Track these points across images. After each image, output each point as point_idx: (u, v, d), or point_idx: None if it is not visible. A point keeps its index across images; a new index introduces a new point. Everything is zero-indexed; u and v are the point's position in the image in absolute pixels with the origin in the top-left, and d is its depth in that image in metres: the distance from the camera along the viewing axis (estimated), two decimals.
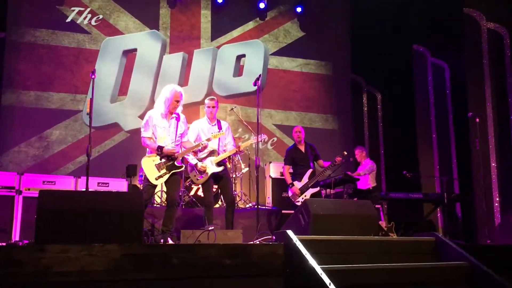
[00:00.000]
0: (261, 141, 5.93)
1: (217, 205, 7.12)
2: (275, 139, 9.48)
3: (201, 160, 5.61)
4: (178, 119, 5.17)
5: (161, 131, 5.08)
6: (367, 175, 7.88)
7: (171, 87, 5.14)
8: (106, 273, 2.93)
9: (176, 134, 5.13)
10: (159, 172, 4.99)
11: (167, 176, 5.02)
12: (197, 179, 5.60)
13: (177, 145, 5.14)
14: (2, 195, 6.05)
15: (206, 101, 5.86)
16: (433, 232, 4.48)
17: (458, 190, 8.27)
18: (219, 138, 5.71)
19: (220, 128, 5.77)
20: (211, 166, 5.57)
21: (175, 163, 5.05)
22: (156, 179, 4.99)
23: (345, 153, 6.68)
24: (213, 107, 5.77)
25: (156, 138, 5.08)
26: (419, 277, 3.59)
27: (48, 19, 8.53)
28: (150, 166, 5.01)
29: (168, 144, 5.04)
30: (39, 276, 2.81)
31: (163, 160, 5.01)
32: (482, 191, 6.90)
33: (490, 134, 7.89)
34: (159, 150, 4.99)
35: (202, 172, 5.54)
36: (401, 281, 3.51)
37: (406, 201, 7.67)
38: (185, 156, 5.53)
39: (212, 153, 5.64)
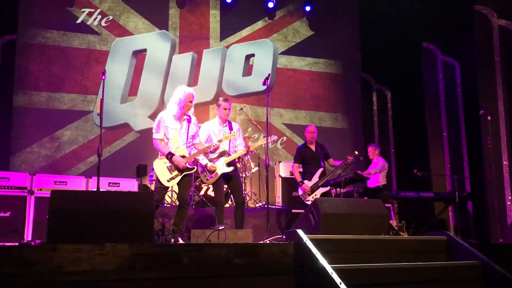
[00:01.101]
0: (271, 142, 5.92)
1: (227, 205, 7.13)
2: (285, 138, 9.47)
3: (211, 160, 5.60)
4: (189, 121, 5.19)
5: (173, 133, 5.09)
6: (378, 173, 7.84)
7: (183, 89, 5.15)
8: (117, 273, 2.94)
9: (187, 136, 5.15)
10: (171, 174, 5.01)
11: (179, 178, 5.03)
12: (207, 179, 5.60)
13: (188, 146, 5.16)
14: (14, 196, 6.10)
15: (222, 102, 5.75)
16: (444, 231, 4.45)
17: (470, 189, 8.20)
18: (230, 140, 5.70)
19: (231, 129, 5.76)
20: (221, 167, 5.56)
21: (187, 165, 5.06)
22: (168, 181, 5.01)
23: (357, 152, 6.66)
24: (229, 109, 5.75)
25: (168, 140, 5.09)
26: (430, 276, 3.56)
27: (59, 21, 8.60)
28: (162, 168, 5.03)
29: (180, 147, 5.06)
30: (51, 276, 2.83)
31: None
32: (494, 189, 6.84)
33: (501, 132, 7.82)
34: (169, 157, 5.00)
35: (212, 172, 5.54)
36: (412, 281, 3.48)
37: (417, 200, 7.63)
38: (196, 157, 5.55)
39: (222, 153, 5.63)
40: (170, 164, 5.01)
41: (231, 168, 5.58)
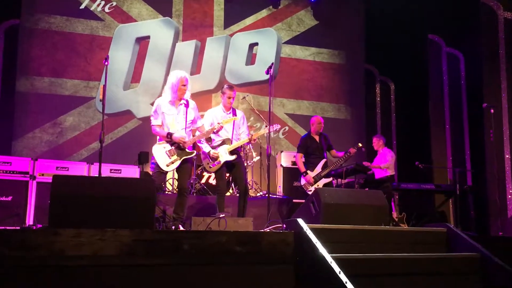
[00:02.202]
0: (273, 131, 5.91)
1: (228, 193, 7.14)
2: (287, 128, 9.46)
3: (214, 148, 5.60)
4: (187, 105, 5.12)
5: (170, 118, 5.08)
6: (387, 162, 7.81)
7: (175, 73, 5.13)
8: (118, 258, 2.96)
9: (186, 121, 5.11)
10: (170, 158, 5.00)
11: (178, 162, 5.02)
12: (210, 167, 5.59)
13: (187, 132, 5.13)
14: (16, 180, 6.13)
15: (226, 90, 5.71)
16: (444, 223, 4.46)
17: (471, 182, 8.20)
18: (233, 127, 5.68)
19: (235, 115, 5.74)
20: (224, 155, 5.54)
21: (186, 149, 5.06)
22: (167, 166, 4.99)
23: (360, 145, 6.66)
24: (233, 98, 5.72)
25: (165, 125, 5.08)
26: (429, 267, 3.57)
27: (62, 6, 8.57)
28: (161, 153, 5.02)
29: (178, 131, 5.04)
30: (53, 259, 2.85)
31: (173, 146, 5.02)
32: (495, 183, 6.83)
33: (504, 125, 7.79)
34: (169, 137, 5.00)
35: (215, 159, 5.53)
36: (411, 271, 3.50)
37: (418, 192, 7.63)
38: (198, 144, 5.53)
39: (225, 141, 5.62)
40: (170, 149, 5.00)
41: (233, 157, 5.56)
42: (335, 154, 6.85)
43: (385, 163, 7.77)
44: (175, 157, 5.01)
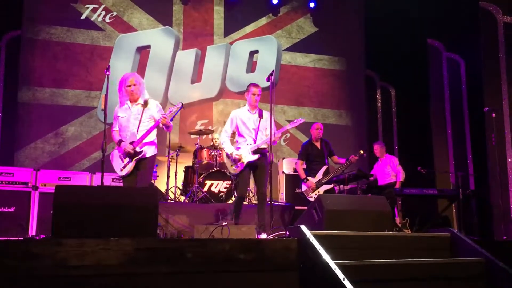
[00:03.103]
0: (298, 124, 5.74)
1: (230, 201, 7.14)
2: (288, 135, 9.47)
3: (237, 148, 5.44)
4: (144, 105, 4.89)
5: (123, 121, 4.90)
6: (398, 170, 7.82)
7: (122, 76, 5.01)
8: (121, 267, 2.96)
9: (140, 122, 4.85)
10: (123, 162, 4.84)
11: (131, 165, 4.79)
12: (234, 169, 5.41)
13: (144, 134, 4.82)
14: (19, 191, 6.15)
15: (251, 87, 5.54)
16: (448, 227, 4.44)
17: (474, 186, 8.18)
18: (258, 128, 5.47)
19: (261, 117, 5.53)
20: (247, 155, 5.36)
21: (137, 149, 4.80)
22: (121, 170, 4.83)
23: (362, 152, 6.66)
24: (258, 95, 5.50)
25: (121, 130, 4.93)
26: (434, 272, 3.56)
27: (63, 17, 8.63)
28: (116, 158, 4.91)
29: (129, 136, 4.81)
30: (56, 269, 2.85)
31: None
32: (498, 187, 6.82)
33: (506, 129, 7.78)
34: (119, 144, 4.87)
35: (238, 161, 5.34)
36: (415, 277, 3.48)
37: (420, 197, 7.61)
38: (221, 145, 5.31)
39: (248, 142, 5.44)
40: (122, 153, 4.84)
41: (256, 156, 5.35)
42: (336, 160, 6.86)
43: (401, 176, 7.79)
44: (127, 159, 4.83)
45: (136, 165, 4.83)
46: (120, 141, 4.85)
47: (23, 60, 8.31)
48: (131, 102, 4.95)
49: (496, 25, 8.10)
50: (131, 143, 4.81)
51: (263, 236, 4.65)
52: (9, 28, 8.26)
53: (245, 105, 5.71)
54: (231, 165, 5.43)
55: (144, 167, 4.85)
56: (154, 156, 4.99)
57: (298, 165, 6.83)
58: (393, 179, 7.78)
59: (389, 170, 7.89)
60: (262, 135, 5.51)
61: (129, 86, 4.89)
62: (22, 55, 8.30)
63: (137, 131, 4.84)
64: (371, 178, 7.85)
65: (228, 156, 5.48)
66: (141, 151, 4.81)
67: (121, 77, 5.00)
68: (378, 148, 8.10)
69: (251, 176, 5.56)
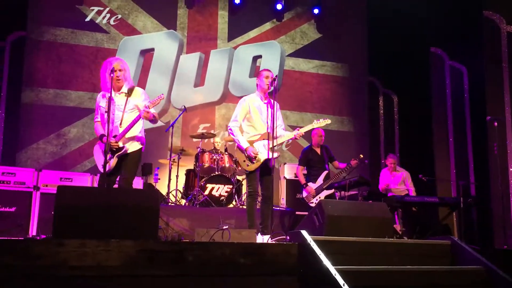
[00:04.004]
0: (324, 125, 5.40)
1: (231, 205, 7.14)
2: (290, 140, 9.44)
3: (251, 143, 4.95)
4: (128, 95, 4.54)
5: (104, 111, 4.52)
6: (411, 187, 7.86)
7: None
8: (122, 268, 2.96)
9: (123, 113, 4.53)
10: (105, 158, 4.38)
11: (112, 161, 4.47)
12: (247, 165, 4.90)
13: (127, 127, 4.52)
14: (20, 191, 6.15)
15: (263, 71, 5.03)
16: (448, 235, 4.44)
17: (475, 195, 8.17)
18: (272, 118, 4.78)
19: (272, 107, 4.91)
20: (264, 151, 4.87)
21: (119, 143, 4.50)
22: (103, 167, 4.37)
23: (361, 156, 6.66)
24: (271, 77, 4.93)
25: (103, 121, 4.55)
26: (433, 280, 3.56)
27: (68, 19, 8.67)
28: (98, 154, 4.64)
29: (111, 126, 4.40)
30: (57, 270, 2.86)
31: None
32: (499, 196, 6.81)
33: (508, 138, 7.78)
34: (101, 139, 4.56)
35: (253, 158, 4.87)
36: (415, 284, 3.48)
37: (421, 205, 7.60)
38: (232, 135, 4.98)
39: (263, 136, 4.96)
40: (103, 149, 4.44)
41: (276, 154, 4.78)
42: (337, 166, 6.88)
43: (412, 190, 7.84)
44: (108, 155, 4.42)
45: (119, 162, 4.52)
46: (102, 135, 4.50)
47: (27, 61, 8.34)
48: (114, 90, 4.55)
49: (499, 34, 8.12)
50: (114, 136, 4.47)
51: (267, 237, 4.59)
52: (14, 28, 8.31)
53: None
54: (243, 161, 4.92)
55: (127, 164, 4.52)
56: (139, 151, 4.63)
57: (299, 170, 6.84)
58: (404, 193, 7.79)
59: (402, 185, 7.89)
60: (275, 128, 4.87)
61: (114, 71, 4.41)
62: (27, 56, 8.33)
63: (121, 123, 4.50)
64: (382, 187, 7.82)
65: (241, 149, 4.97)
66: (123, 147, 4.48)
67: (104, 61, 4.59)
68: (393, 161, 7.95)
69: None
